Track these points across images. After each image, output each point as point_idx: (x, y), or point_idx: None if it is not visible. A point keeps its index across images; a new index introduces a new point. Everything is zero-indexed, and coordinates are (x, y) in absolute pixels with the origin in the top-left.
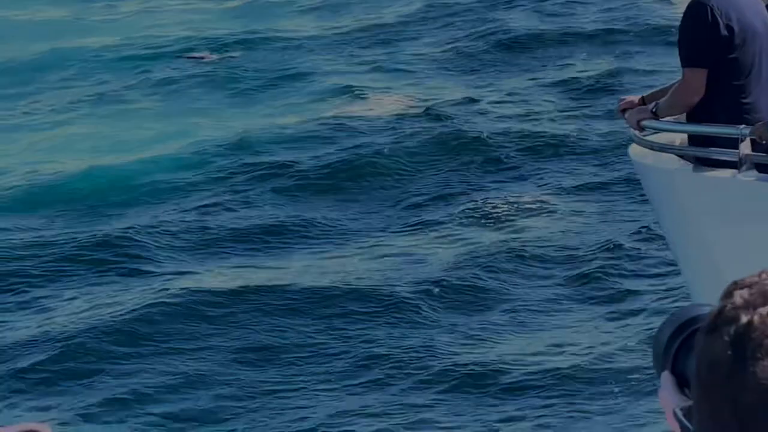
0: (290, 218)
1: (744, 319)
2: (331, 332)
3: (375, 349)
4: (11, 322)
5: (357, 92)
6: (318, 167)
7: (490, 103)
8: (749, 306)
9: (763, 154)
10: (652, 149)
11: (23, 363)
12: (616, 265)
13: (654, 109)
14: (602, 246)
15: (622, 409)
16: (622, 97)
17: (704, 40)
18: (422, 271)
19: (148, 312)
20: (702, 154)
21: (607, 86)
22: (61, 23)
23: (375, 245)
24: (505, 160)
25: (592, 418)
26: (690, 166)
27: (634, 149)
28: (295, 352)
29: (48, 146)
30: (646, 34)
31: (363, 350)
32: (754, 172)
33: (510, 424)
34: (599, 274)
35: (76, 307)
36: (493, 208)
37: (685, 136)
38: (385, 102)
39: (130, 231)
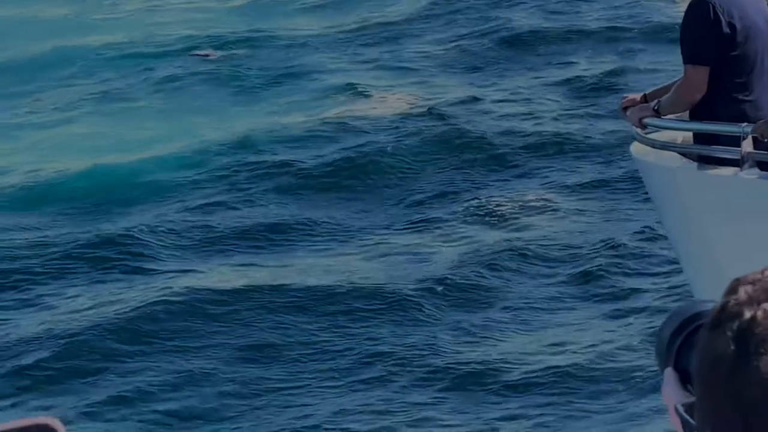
0: (294, 216)
1: (747, 314)
2: (335, 330)
3: (378, 347)
4: (15, 319)
5: (360, 90)
6: (322, 165)
7: (493, 101)
8: (753, 302)
9: (765, 152)
10: (653, 147)
11: (28, 360)
12: (619, 263)
13: (656, 107)
14: (605, 244)
15: (624, 407)
16: (624, 95)
17: (706, 38)
18: (426, 269)
19: (152, 310)
20: (704, 151)
21: (610, 85)
22: (65, 22)
23: (378, 243)
24: (509, 158)
25: (594, 416)
26: (692, 163)
27: (636, 147)
28: (299, 349)
29: (51, 144)
30: (650, 33)
31: (366, 348)
32: (756, 170)
33: (512, 422)
34: (602, 273)
35: (80, 305)
36: (497, 206)
37: (687, 133)
38: (389, 100)
39: (134, 229)
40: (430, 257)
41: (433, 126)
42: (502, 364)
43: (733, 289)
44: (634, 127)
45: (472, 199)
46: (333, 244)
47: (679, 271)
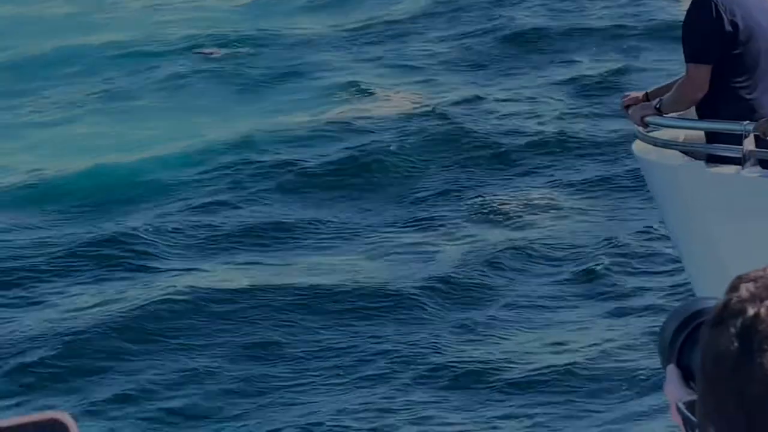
0: (298, 215)
1: (751, 311)
2: (339, 328)
3: (382, 345)
4: (20, 318)
5: (365, 89)
6: (325, 164)
7: (497, 100)
8: (755, 299)
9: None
10: (655, 145)
11: (32, 358)
12: (622, 262)
13: (658, 106)
14: (608, 243)
15: (627, 405)
16: (626, 93)
17: (708, 36)
18: (429, 267)
19: (156, 308)
20: (706, 150)
21: (614, 83)
22: (67, 20)
23: (382, 242)
24: (513, 157)
25: (597, 414)
26: (694, 162)
27: (637, 145)
28: (303, 347)
29: (54, 143)
30: (654, 31)
31: (370, 346)
32: (758, 168)
33: (515, 420)
34: (605, 272)
35: (85, 303)
36: (501, 205)
37: (689, 132)
38: (393, 99)
39: (137, 228)
40: (434, 256)
41: (437, 125)
42: (505, 363)
43: (735, 287)
44: (636, 126)
45: (476, 198)
46: (337, 242)
47: (682, 270)
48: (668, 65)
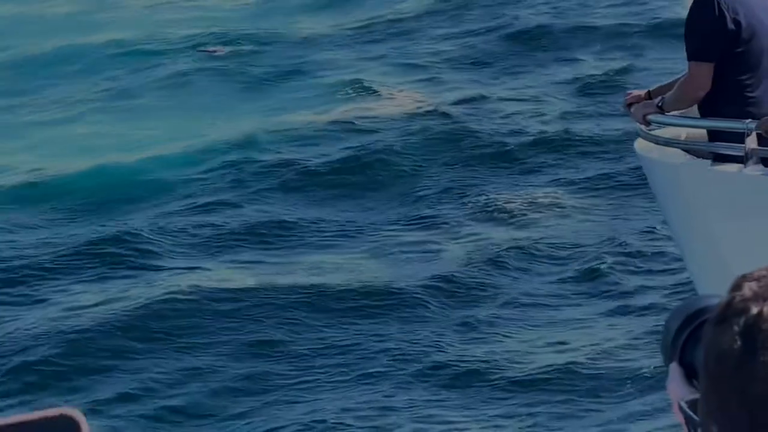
0: (301, 214)
1: (754, 310)
2: (343, 326)
3: (385, 344)
4: (24, 316)
5: (368, 88)
6: (329, 163)
7: (501, 99)
8: (759, 297)
9: None
10: (657, 144)
11: (36, 356)
12: (626, 261)
13: (660, 104)
14: (612, 242)
15: (630, 404)
16: (628, 92)
17: (710, 34)
18: (433, 266)
19: (160, 307)
20: (708, 148)
21: (618, 82)
22: (69, 19)
23: (386, 241)
24: (516, 156)
25: (601, 413)
26: (696, 160)
27: (639, 144)
28: (307, 345)
29: (57, 142)
30: (658, 29)
31: (373, 344)
32: (761, 167)
33: (518, 418)
34: (609, 271)
35: (89, 302)
36: (504, 204)
37: (691, 130)
38: (397, 98)
39: (141, 227)
40: (438, 254)
41: (441, 123)
42: (507, 361)
43: (738, 286)
44: (638, 124)
45: (480, 197)
46: (341, 241)
47: (685, 269)
48: (672, 64)
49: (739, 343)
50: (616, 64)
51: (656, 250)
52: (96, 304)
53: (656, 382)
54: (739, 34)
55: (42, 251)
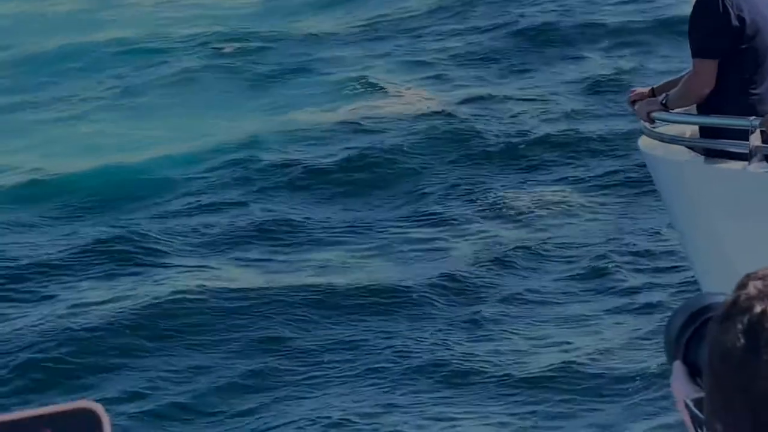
0: (308, 212)
1: (758, 308)
2: (350, 324)
3: (392, 341)
4: (31, 314)
5: (375, 86)
6: (336, 161)
7: (508, 97)
8: (763, 296)
9: None
10: (662, 141)
11: (44, 354)
12: (634, 260)
13: (664, 101)
14: (619, 241)
15: (636, 402)
16: (633, 89)
17: (715, 31)
18: (440, 264)
19: (168, 305)
20: (712, 145)
21: (625, 80)
22: (73, 17)
23: (393, 239)
24: (523, 154)
25: (607, 410)
26: (700, 157)
27: (644, 141)
28: (315, 343)
29: (62, 141)
30: (667, 27)
31: (380, 341)
32: (765, 164)
33: (525, 416)
34: (616, 269)
35: (97, 300)
36: (511, 203)
37: (695, 127)
38: (404, 96)
39: (148, 225)
40: (445, 253)
41: (448, 121)
42: (514, 359)
43: (743, 284)
44: (642, 121)
45: (487, 195)
46: (348, 239)
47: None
48: (679, 62)
49: (742, 341)
50: (624, 62)
51: (664, 249)
52: (104, 302)
53: (662, 380)
54: (743, 31)
55: (49, 249)
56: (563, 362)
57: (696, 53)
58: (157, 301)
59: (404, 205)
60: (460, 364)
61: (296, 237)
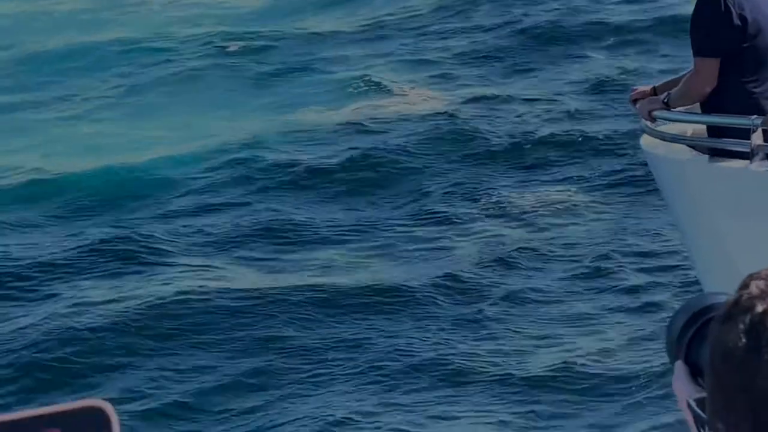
0: (312, 211)
1: (760, 308)
2: (354, 323)
3: (396, 340)
4: (35, 312)
5: (379, 85)
6: (340, 160)
7: (512, 96)
8: (765, 296)
9: None
10: (663, 140)
11: (48, 354)
12: (637, 260)
13: (665, 100)
14: (623, 241)
15: (639, 401)
16: (634, 87)
17: (716, 30)
18: (444, 264)
19: (172, 304)
20: (714, 144)
21: (630, 80)
22: (76, 17)
23: (397, 238)
24: (527, 154)
25: (610, 409)
26: (701, 156)
27: (645, 140)
28: (318, 342)
29: (66, 140)
30: (672, 26)
31: (383, 340)
32: (766, 163)
33: (529, 415)
34: (619, 269)
35: (101, 299)
36: (515, 203)
37: (697, 126)
38: (407, 95)
39: (151, 224)
40: (448, 252)
41: (452, 121)
42: (517, 359)
43: (745, 284)
44: (643, 120)
45: (490, 194)
46: (351, 239)
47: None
48: (682, 62)
49: (744, 340)
50: (628, 61)
51: (666, 248)
52: (108, 302)
53: (664, 379)
54: (745, 30)
55: (52, 249)
56: (566, 361)
57: (697, 52)
58: (161, 300)
59: (408, 205)
60: (464, 363)
61: (300, 236)
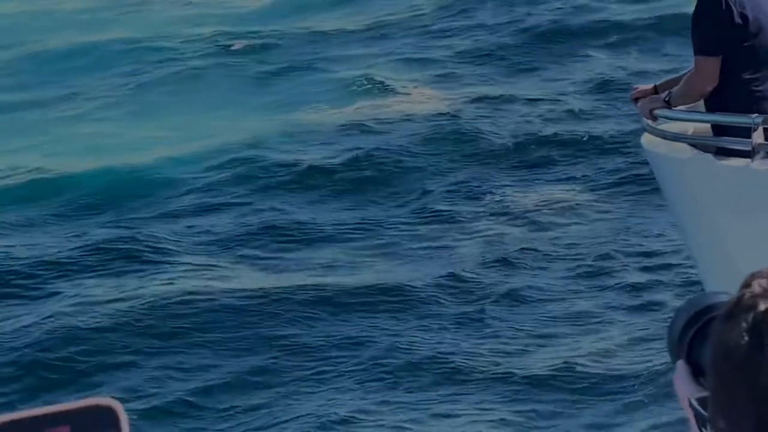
0: (315, 211)
1: (762, 306)
2: (357, 322)
3: (399, 339)
4: (39, 311)
5: (382, 84)
6: (343, 160)
7: (514, 95)
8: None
9: None
10: (664, 138)
11: (51, 353)
12: (641, 259)
13: (667, 98)
14: (626, 240)
15: (641, 400)
16: (635, 86)
17: (717, 28)
18: (446, 264)
19: (176, 304)
20: (715, 143)
21: (633, 79)
22: (79, 16)
23: (399, 238)
24: (530, 153)
25: (611, 408)
26: (702, 155)
27: (646, 138)
28: (321, 341)
29: (68, 139)
30: (675, 25)
31: (386, 338)
32: (767, 161)
33: (531, 414)
34: (621, 268)
35: (105, 298)
36: (518, 203)
37: (698, 125)
38: (410, 95)
39: (154, 224)
40: (451, 252)
41: (455, 120)
42: (520, 358)
43: (748, 283)
44: (644, 119)
45: (493, 194)
46: (354, 238)
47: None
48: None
49: (746, 339)
50: (631, 61)
51: (668, 248)
52: (111, 301)
53: (666, 378)
54: (746, 29)
55: (55, 248)
56: (567, 360)
57: (698, 51)
58: (164, 299)
59: (411, 204)
60: (466, 361)
61: (303, 235)
